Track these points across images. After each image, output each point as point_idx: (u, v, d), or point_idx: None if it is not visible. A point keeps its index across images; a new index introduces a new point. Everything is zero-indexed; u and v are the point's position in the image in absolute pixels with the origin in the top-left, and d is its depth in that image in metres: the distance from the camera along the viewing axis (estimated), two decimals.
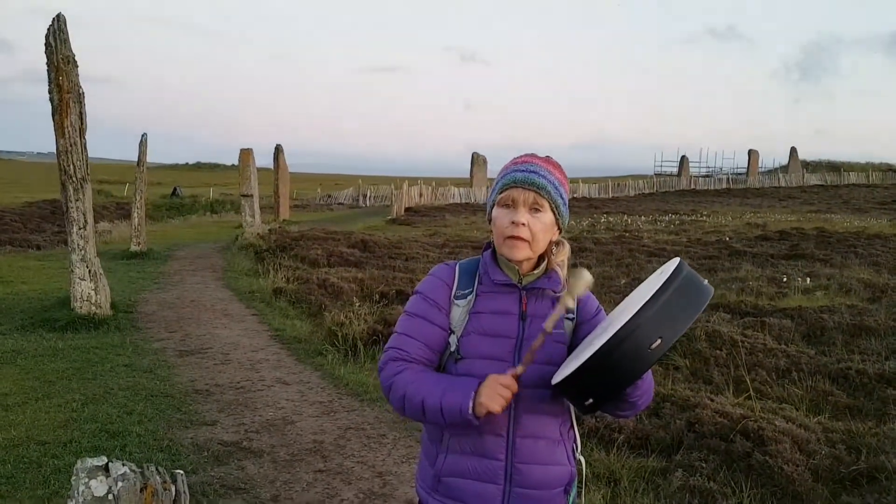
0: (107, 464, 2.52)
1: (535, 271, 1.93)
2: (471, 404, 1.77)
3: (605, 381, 1.64)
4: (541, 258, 1.94)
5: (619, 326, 1.61)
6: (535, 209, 1.87)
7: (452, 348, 1.91)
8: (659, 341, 1.58)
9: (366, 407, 5.76)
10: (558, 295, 1.92)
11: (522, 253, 1.87)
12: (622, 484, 4.22)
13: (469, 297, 1.93)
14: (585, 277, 1.76)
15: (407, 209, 35.61)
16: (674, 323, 1.60)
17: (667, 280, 1.64)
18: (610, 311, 2.00)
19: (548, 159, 1.95)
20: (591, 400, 1.70)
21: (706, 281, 1.72)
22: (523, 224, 1.85)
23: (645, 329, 1.58)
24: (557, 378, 1.79)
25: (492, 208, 1.94)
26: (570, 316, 1.96)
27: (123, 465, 2.54)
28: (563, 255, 1.95)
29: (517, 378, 1.78)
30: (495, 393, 1.75)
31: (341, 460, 4.64)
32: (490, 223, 1.96)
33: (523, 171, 1.89)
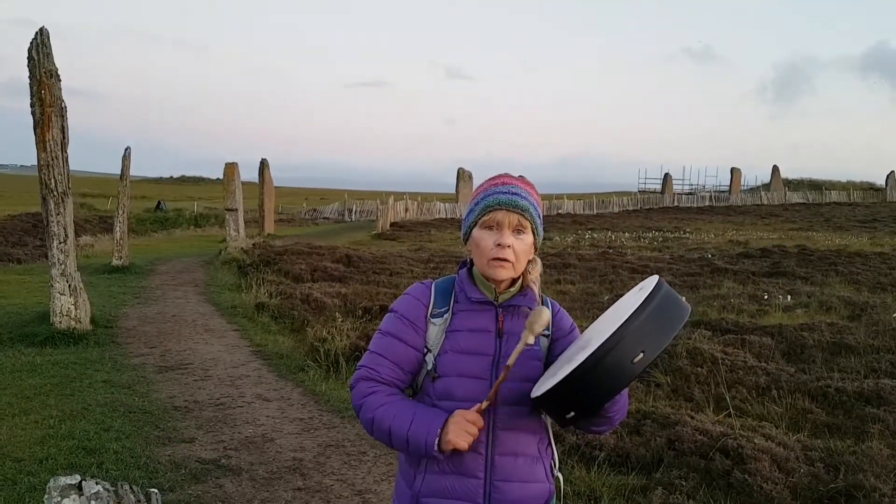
0: (80, 482, 2.50)
1: (511, 289, 1.95)
2: (436, 441, 1.78)
3: (589, 392, 1.65)
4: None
5: (602, 339, 1.63)
6: (518, 231, 1.89)
7: (429, 367, 1.91)
8: (641, 355, 1.61)
9: (346, 424, 5.73)
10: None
11: (507, 273, 1.89)
12: (603, 502, 4.22)
13: (445, 316, 1.94)
14: (544, 315, 1.80)
15: (392, 224, 35.63)
16: (656, 337, 1.63)
17: (648, 296, 1.67)
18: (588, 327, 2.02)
19: (523, 179, 1.97)
20: (572, 413, 1.71)
21: (684, 298, 1.75)
22: (509, 246, 1.87)
23: (628, 342, 1.61)
24: (538, 391, 1.79)
25: (471, 228, 1.95)
26: (546, 332, 1.97)
27: (97, 483, 2.52)
28: (536, 272, 1.98)
29: (482, 413, 1.80)
30: (462, 430, 1.78)
31: (321, 478, 4.61)
32: (467, 243, 1.97)
33: (506, 192, 1.90)
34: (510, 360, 1.78)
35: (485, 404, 1.80)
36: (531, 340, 1.79)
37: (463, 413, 1.80)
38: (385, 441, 1.88)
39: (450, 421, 1.79)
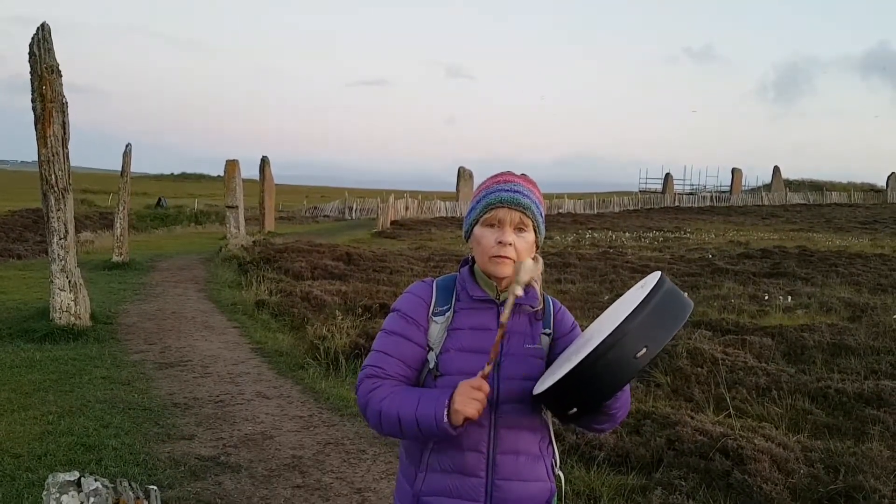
0: (79, 478, 2.49)
1: None
2: (445, 412, 1.75)
3: (592, 388, 1.65)
4: None
5: (605, 335, 1.63)
6: (520, 229, 1.89)
7: (431, 365, 1.91)
8: (644, 350, 1.61)
9: (346, 422, 5.72)
10: (536, 310, 1.95)
11: (508, 270, 1.89)
12: (602, 501, 4.21)
13: (447, 314, 1.94)
14: (527, 265, 1.81)
15: (393, 222, 35.61)
16: (659, 332, 1.63)
17: (651, 292, 1.68)
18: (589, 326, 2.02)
19: (525, 177, 1.96)
20: (574, 409, 1.71)
21: (685, 294, 1.75)
22: (510, 244, 1.87)
23: (632, 337, 1.61)
24: (541, 388, 1.79)
25: (472, 226, 1.95)
26: (547, 331, 1.98)
27: (96, 480, 2.51)
28: (537, 270, 1.97)
29: (486, 377, 1.77)
30: (468, 398, 1.74)
31: (320, 476, 4.60)
32: (468, 240, 1.97)
33: (508, 190, 1.90)
34: (503, 317, 1.78)
35: (488, 368, 1.78)
36: (520, 292, 1.79)
37: (467, 381, 1.77)
38: (396, 432, 1.84)
39: (455, 392, 1.76)
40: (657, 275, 1.77)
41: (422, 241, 25.61)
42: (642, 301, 1.66)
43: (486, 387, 1.76)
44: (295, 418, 5.78)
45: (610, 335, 1.62)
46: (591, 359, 1.62)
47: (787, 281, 14.30)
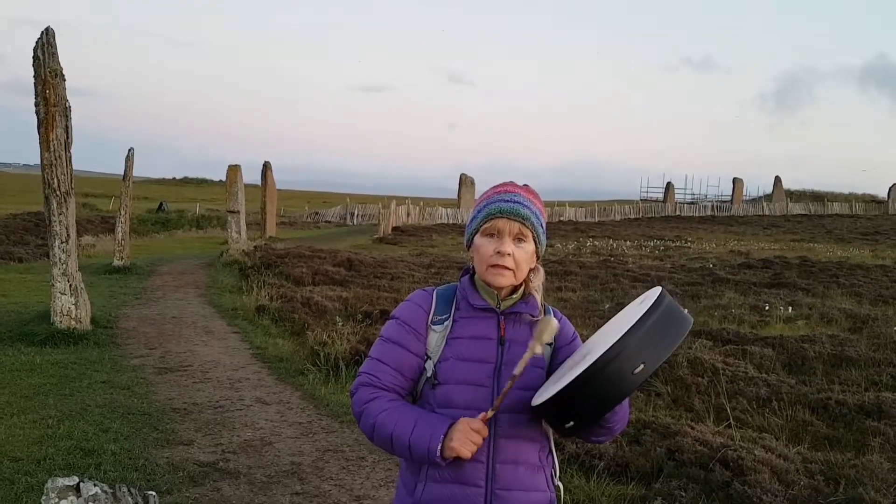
0: (78, 483, 2.48)
1: (513, 296, 1.95)
2: (440, 446, 1.77)
3: (589, 403, 1.65)
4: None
5: (603, 350, 1.63)
6: (519, 239, 1.90)
7: (429, 374, 1.91)
8: (642, 366, 1.60)
9: (345, 428, 5.71)
10: (536, 319, 1.94)
11: (507, 281, 1.90)
12: None
13: (446, 323, 1.94)
14: (552, 325, 1.80)
15: (394, 228, 35.61)
16: (657, 349, 1.63)
17: (650, 307, 1.67)
18: (589, 335, 2.02)
19: (527, 188, 1.97)
20: (571, 422, 1.71)
21: (686, 310, 1.75)
22: (509, 254, 1.87)
23: (629, 353, 1.60)
24: (539, 399, 1.79)
25: (473, 235, 1.95)
26: (549, 341, 1.97)
27: (95, 485, 2.51)
28: (538, 280, 1.98)
29: (487, 422, 1.79)
30: (466, 439, 1.76)
31: (319, 483, 4.59)
32: (469, 250, 1.97)
33: (508, 201, 1.91)
34: (517, 370, 1.77)
35: (490, 413, 1.79)
36: (539, 350, 1.79)
37: (468, 421, 1.78)
38: (386, 447, 1.87)
39: (454, 428, 1.78)
40: (657, 290, 1.76)
41: (423, 248, 25.62)
42: (642, 317, 1.65)
43: (486, 431, 1.78)
44: (294, 424, 5.77)
45: (608, 350, 1.62)
46: (587, 374, 1.62)
47: (788, 291, 14.28)
